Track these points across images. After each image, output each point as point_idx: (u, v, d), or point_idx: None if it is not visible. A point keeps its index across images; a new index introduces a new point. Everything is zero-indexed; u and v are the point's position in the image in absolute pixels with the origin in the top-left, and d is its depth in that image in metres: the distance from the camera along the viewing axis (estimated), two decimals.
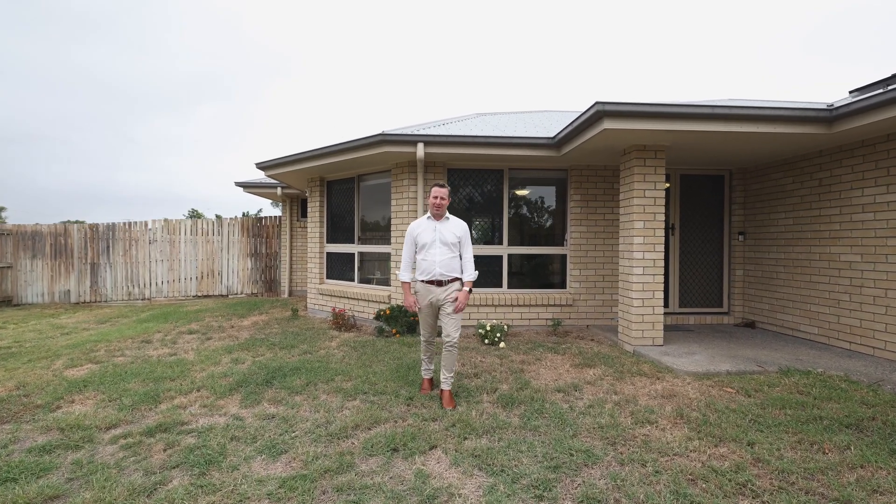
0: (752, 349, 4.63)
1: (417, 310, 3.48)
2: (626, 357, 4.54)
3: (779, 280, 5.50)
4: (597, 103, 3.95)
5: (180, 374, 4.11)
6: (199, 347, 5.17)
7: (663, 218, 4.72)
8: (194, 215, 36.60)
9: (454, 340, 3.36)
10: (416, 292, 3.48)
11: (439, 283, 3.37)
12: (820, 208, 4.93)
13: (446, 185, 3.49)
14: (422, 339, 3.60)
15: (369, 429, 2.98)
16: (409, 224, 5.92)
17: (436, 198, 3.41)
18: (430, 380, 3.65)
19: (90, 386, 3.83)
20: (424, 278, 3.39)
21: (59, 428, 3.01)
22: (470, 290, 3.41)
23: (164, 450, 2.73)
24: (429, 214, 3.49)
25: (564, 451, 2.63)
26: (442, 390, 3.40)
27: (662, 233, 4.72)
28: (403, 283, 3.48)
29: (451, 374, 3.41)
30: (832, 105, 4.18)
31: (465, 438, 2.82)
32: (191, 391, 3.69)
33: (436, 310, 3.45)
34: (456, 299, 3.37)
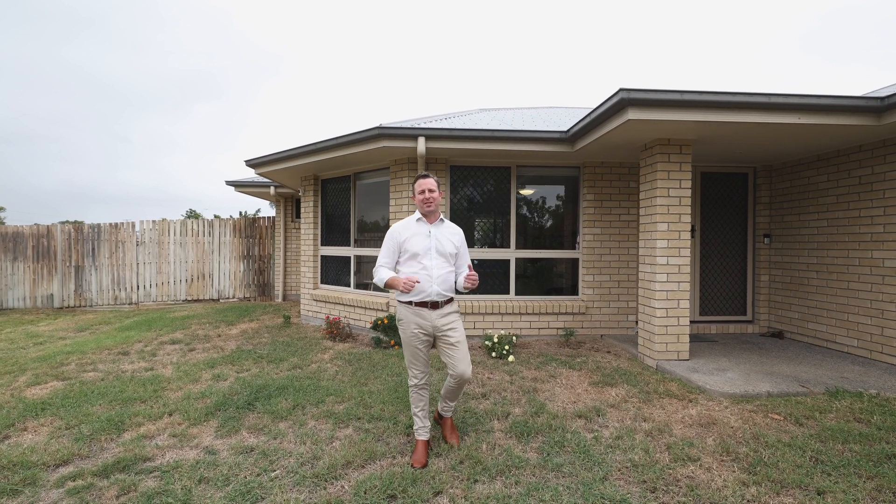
0: (787, 364, 4.19)
1: (410, 333, 2.60)
2: (649, 373, 4.10)
3: (810, 286, 5.06)
4: (620, 90, 3.51)
5: (153, 395, 3.67)
6: (179, 361, 4.73)
7: (689, 219, 4.28)
8: (192, 215, 36.15)
9: (468, 377, 2.60)
10: (399, 320, 2.65)
11: (435, 306, 2.58)
12: (860, 209, 4.49)
13: (431, 174, 2.69)
14: (411, 384, 2.68)
15: (363, 466, 2.55)
16: None
17: (422, 192, 2.61)
18: (427, 442, 2.66)
19: (49, 409, 3.39)
20: (413, 299, 2.56)
21: (0, 465, 2.57)
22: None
23: (117, 496, 2.29)
24: (417, 215, 2.69)
25: (596, 499, 2.19)
26: (443, 417, 2.82)
27: (688, 235, 4.29)
28: (387, 279, 2.59)
29: (454, 403, 2.82)
30: (871, 94, 3.75)
31: (476, 481, 2.38)
32: (161, 416, 3.25)
33: (430, 341, 2.63)
34: (457, 320, 2.65)
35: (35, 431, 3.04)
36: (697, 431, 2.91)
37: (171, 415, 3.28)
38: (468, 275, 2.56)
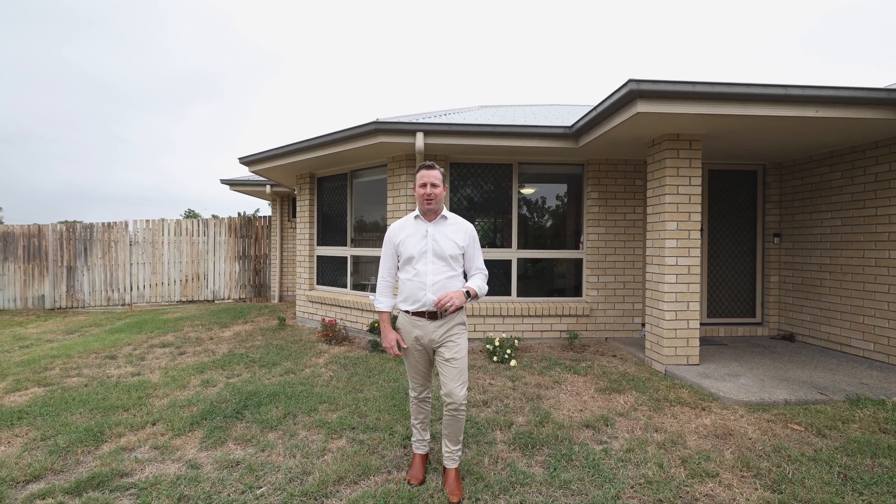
0: (802, 369, 4.01)
1: (400, 352, 2.34)
2: (657, 379, 3.92)
3: (823, 288, 4.89)
4: (630, 81, 3.33)
5: (137, 403, 3.48)
6: (167, 365, 4.55)
7: (699, 218, 4.11)
8: (191, 215, 35.91)
9: (459, 400, 2.22)
10: (397, 328, 2.37)
11: (433, 316, 2.25)
12: (876, 207, 4.31)
13: (437, 166, 2.33)
14: (411, 395, 2.45)
15: (356, 483, 2.37)
16: None
17: (423, 185, 2.25)
18: (425, 456, 2.47)
19: (26, 418, 3.21)
20: (410, 308, 2.27)
21: None
22: (469, 297, 2.24)
23: None
24: (416, 212, 2.37)
25: None
26: (445, 469, 2.34)
27: (698, 235, 4.11)
28: (380, 312, 2.38)
29: (458, 448, 2.33)
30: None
31: (478, 500, 2.20)
32: (144, 426, 3.07)
33: (429, 354, 2.34)
34: (458, 334, 2.29)
35: (8, 443, 2.86)
36: (713, 443, 2.73)
37: (154, 424, 3.10)
38: (439, 300, 2.15)
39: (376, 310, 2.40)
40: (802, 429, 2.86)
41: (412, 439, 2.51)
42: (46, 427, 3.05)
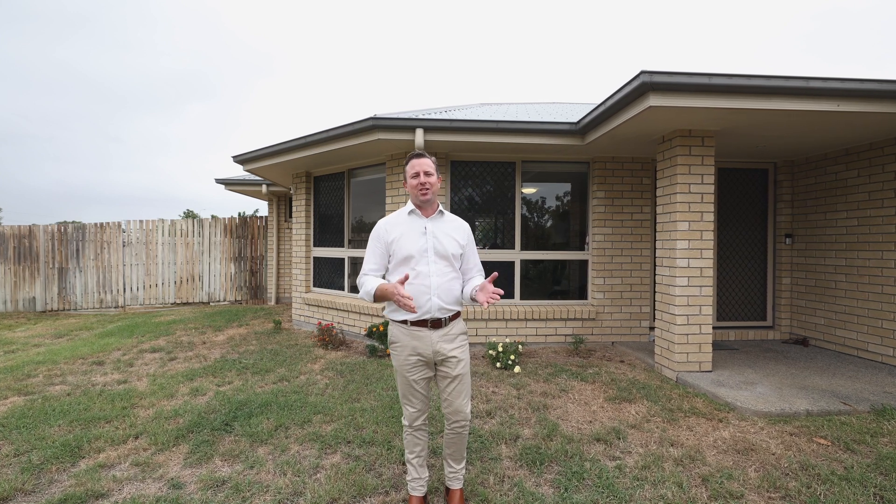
0: (820, 376, 3.83)
1: (404, 359, 2.02)
2: (669, 387, 3.74)
3: (838, 290, 4.71)
4: (642, 73, 3.15)
5: (121, 413, 3.29)
6: (156, 372, 4.36)
7: (712, 217, 3.93)
8: (189, 216, 35.70)
9: (468, 417, 2.06)
10: (392, 342, 2.06)
11: (437, 324, 2.00)
12: (895, 206, 4.14)
13: (427, 154, 2.09)
14: (405, 424, 2.11)
15: None
16: None
17: (416, 175, 2.00)
18: (423, 498, 2.13)
19: (1, 431, 3.01)
20: (408, 316, 1.97)
21: None
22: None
23: None
24: (410, 207, 2.09)
25: None
26: (449, 490, 2.15)
27: (711, 235, 3.93)
28: (379, 290, 1.89)
29: (462, 465, 2.15)
30: None
31: None
32: (126, 440, 2.88)
33: (430, 369, 2.05)
34: (464, 345, 2.07)
35: None
36: (735, 459, 2.55)
37: (136, 438, 2.91)
38: (492, 292, 1.89)
39: (370, 292, 1.91)
40: (829, 443, 2.68)
41: (407, 478, 2.15)
42: (22, 441, 2.86)
